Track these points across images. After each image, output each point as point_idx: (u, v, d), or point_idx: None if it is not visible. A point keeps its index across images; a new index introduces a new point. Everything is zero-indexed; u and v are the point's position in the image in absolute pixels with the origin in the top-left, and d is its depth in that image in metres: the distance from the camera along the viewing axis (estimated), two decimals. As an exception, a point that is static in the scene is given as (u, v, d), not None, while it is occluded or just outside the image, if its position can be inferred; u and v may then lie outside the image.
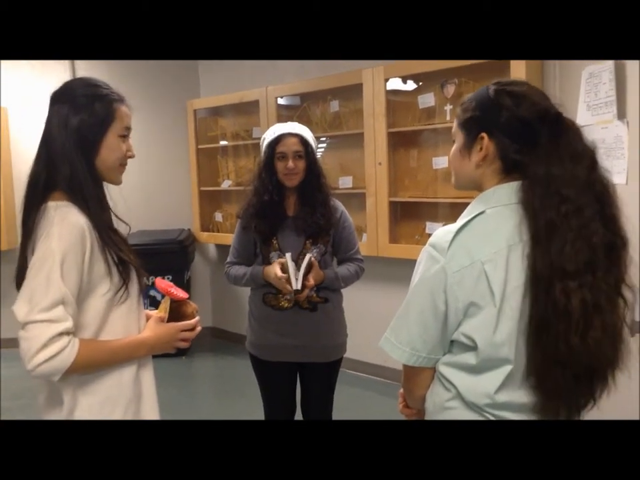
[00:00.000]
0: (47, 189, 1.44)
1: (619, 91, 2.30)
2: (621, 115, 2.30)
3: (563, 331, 1.16)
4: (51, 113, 1.48)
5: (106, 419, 1.46)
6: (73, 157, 1.44)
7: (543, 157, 1.21)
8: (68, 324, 1.35)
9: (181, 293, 1.63)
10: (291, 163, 2.36)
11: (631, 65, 2.25)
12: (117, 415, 1.48)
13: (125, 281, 1.48)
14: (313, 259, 2.34)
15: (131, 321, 1.53)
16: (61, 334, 1.33)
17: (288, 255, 2.30)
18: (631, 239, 1.24)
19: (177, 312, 1.62)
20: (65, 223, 1.39)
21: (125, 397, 1.50)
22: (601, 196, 1.21)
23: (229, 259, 2.56)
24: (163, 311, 1.61)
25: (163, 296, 1.63)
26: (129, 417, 1.50)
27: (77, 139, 1.45)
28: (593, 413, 1.28)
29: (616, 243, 1.21)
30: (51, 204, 1.42)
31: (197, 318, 1.64)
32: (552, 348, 1.17)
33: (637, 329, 1.62)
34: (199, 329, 1.63)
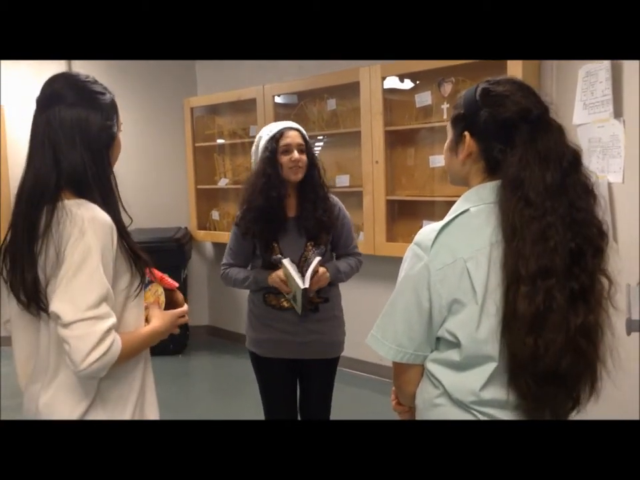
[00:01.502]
0: (58, 188, 1.41)
1: (615, 90, 2.30)
2: (618, 113, 2.30)
3: (518, 333, 1.17)
4: (55, 113, 1.42)
5: (118, 417, 1.46)
6: (95, 154, 1.43)
7: (516, 160, 1.22)
8: (113, 319, 1.36)
9: (172, 282, 1.73)
10: (296, 154, 2.36)
11: (628, 64, 2.25)
12: (127, 413, 1.48)
13: (141, 274, 1.49)
14: (318, 267, 2.37)
15: (139, 313, 1.54)
16: (108, 330, 1.34)
17: (285, 261, 2.33)
18: (629, 237, 1.24)
19: (170, 299, 1.70)
20: (96, 220, 1.38)
21: (135, 394, 1.51)
22: (573, 201, 1.21)
23: (225, 261, 2.55)
24: (151, 297, 1.65)
25: (147, 285, 1.66)
26: (137, 413, 1.51)
27: (98, 137, 1.44)
28: (592, 413, 1.28)
29: (583, 249, 1.20)
30: (69, 202, 1.39)
31: (186, 306, 1.72)
32: (512, 349, 1.18)
33: (635, 328, 1.62)
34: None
